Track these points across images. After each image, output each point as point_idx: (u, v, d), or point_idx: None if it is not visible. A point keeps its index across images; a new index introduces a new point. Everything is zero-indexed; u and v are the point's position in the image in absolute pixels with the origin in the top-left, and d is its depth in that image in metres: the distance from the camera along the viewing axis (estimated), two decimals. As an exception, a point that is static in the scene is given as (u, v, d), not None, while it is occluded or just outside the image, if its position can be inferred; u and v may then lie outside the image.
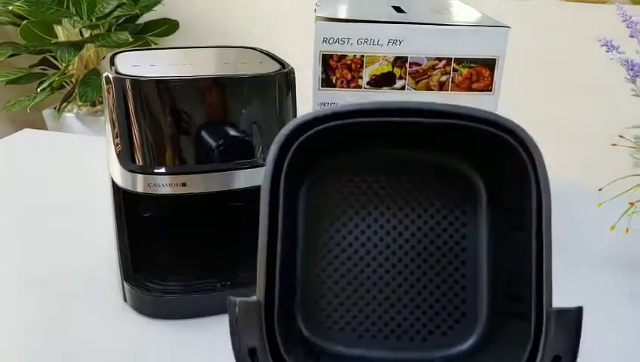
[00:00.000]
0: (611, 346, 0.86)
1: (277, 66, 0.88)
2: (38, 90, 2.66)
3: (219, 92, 0.81)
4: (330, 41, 1.02)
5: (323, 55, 1.03)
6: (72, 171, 1.40)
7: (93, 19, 2.68)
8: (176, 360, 0.81)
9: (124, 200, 0.88)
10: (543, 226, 0.54)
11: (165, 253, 0.95)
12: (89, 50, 2.80)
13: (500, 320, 0.62)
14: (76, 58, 2.67)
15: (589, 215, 1.21)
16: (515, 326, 0.58)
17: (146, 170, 0.81)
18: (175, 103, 0.80)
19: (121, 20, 2.81)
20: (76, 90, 2.74)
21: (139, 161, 0.81)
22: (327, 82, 1.04)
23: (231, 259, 0.95)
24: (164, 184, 0.82)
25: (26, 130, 1.70)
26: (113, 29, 2.77)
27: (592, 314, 0.93)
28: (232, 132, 0.84)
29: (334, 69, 1.03)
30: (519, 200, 0.59)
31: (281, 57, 0.93)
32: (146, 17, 2.84)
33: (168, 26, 2.82)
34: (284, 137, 0.53)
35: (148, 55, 0.92)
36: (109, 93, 0.80)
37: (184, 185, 0.81)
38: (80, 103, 2.76)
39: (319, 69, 1.03)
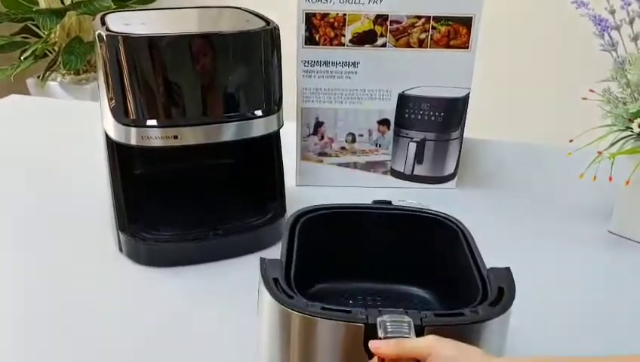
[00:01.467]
0: (587, 281, 0.93)
1: (262, 23, 0.91)
2: (22, 58, 2.65)
3: (208, 48, 0.85)
4: (313, 0, 1.05)
5: (306, 13, 1.06)
6: (62, 133, 1.43)
7: (75, -13, 2.66)
8: (170, 304, 0.85)
9: (118, 155, 0.91)
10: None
11: (158, 206, 1.00)
12: (71, 18, 2.78)
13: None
14: (58, 26, 2.65)
15: (560, 165, 1.28)
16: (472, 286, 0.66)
17: (138, 123, 0.85)
18: (166, 59, 0.83)
19: (103, -12, 2.79)
20: (60, 59, 2.73)
21: (132, 114, 0.85)
22: (310, 40, 1.08)
23: (220, 210, 1.00)
24: (155, 136, 0.86)
25: (13, 96, 1.71)
26: (95, -4, 2.75)
27: (566, 256, 1.00)
28: (220, 87, 0.88)
29: (317, 27, 1.07)
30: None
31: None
32: (128, -16, 2.82)
33: (150, -7, 2.82)
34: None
35: (137, 15, 0.95)
36: (102, 50, 0.83)
37: (175, 137, 0.85)
38: (64, 72, 2.76)
39: (302, 27, 1.07)
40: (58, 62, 2.76)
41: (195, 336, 0.79)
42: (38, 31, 2.81)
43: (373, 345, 0.54)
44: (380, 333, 0.54)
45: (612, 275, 0.97)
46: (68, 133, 1.43)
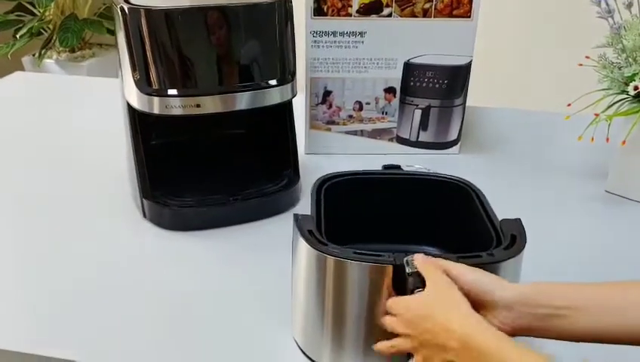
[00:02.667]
0: (585, 235, 0.99)
1: (276, -5, 0.95)
2: (18, 36, 2.65)
3: (226, 20, 0.88)
4: (321, -28, 1.08)
5: (314, -15, 1.10)
6: (70, 108, 1.46)
7: (68, -37, 2.66)
8: (193, 265, 0.90)
9: (140, 124, 0.95)
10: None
11: (178, 173, 1.04)
12: (65, -5, 2.78)
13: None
14: (52, 4, 2.65)
15: (558, 129, 1.33)
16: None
17: (161, 93, 0.89)
18: (186, 31, 0.87)
19: (96, -36, 2.79)
20: (55, 36, 2.74)
21: (154, 84, 0.89)
22: (318, 11, 1.11)
23: (237, 177, 1.04)
24: (177, 105, 0.90)
25: (18, 73, 1.74)
26: (88, -28, 2.75)
27: (565, 213, 1.05)
28: (237, 57, 0.92)
29: (324, -2, 1.11)
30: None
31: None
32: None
33: (144, -31, 2.80)
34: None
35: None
36: (124, 23, 0.86)
37: (198, 106, 0.89)
38: (60, 49, 2.76)
39: (311, -2, 1.10)
40: (53, 40, 2.76)
41: (225, 293, 0.84)
42: (32, 9, 2.81)
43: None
44: (407, 269, 0.60)
45: (609, 230, 1.03)
46: (76, 107, 1.47)
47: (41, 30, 2.80)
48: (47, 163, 1.19)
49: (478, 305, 0.57)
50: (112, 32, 2.81)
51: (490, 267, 0.63)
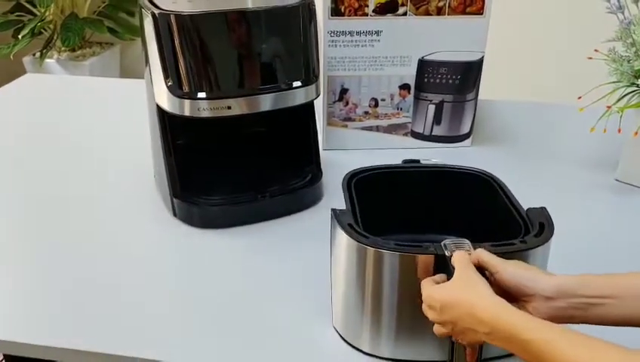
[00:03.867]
0: (597, 222, 1.03)
1: (297, -2, 0.98)
2: (20, 36, 2.65)
3: (253, 23, 0.91)
4: (338, -27, 1.11)
5: (332, -14, 1.13)
6: (86, 110, 1.48)
7: (67, -37, 2.66)
8: (227, 262, 0.93)
9: (169, 126, 0.98)
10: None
11: (206, 172, 1.07)
12: (64, -5, 2.78)
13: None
14: (52, 3, 2.66)
15: (569, 122, 1.37)
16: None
17: (191, 96, 0.92)
18: (215, 35, 0.90)
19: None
20: (56, 36, 2.75)
21: (185, 88, 0.91)
22: (336, 11, 1.14)
23: (263, 175, 1.08)
24: (206, 108, 0.93)
25: (28, 75, 1.75)
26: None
27: (578, 201, 1.09)
28: (264, 59, 0.95)
29: (342, -1, 1.14)
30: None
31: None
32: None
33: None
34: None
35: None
36: (155, 27, 0.89)
37: (229, 107, 0.92)
38: (63, 48, 2.77)
39: (329, -1, 1.13)
40: (55, 40, 2.77)
41: (261, 288, 0.87)
42: (32, 8, 2.81)
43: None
44: (447, 252, 0.65)
45: (620, 217, 1.07)
46: (90, 109, 1.49)
47: (42, 30, 2.80)
48: (70, 165, 1.21)
49: (519, 296, 0.61)
50: (113, 31, 2.83)
51: (523, 254, 0.67)
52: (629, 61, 1.07)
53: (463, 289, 0.61)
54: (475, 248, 0.66)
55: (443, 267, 0.65)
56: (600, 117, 1.06)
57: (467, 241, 0.67)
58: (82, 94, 1.59)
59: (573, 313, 0.60)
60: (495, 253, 0.65)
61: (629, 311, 0.58)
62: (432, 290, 0.64)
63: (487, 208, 0.85)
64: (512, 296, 0.61)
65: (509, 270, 0.62)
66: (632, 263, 0.93)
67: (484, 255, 0.64)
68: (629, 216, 1.07)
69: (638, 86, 1.05)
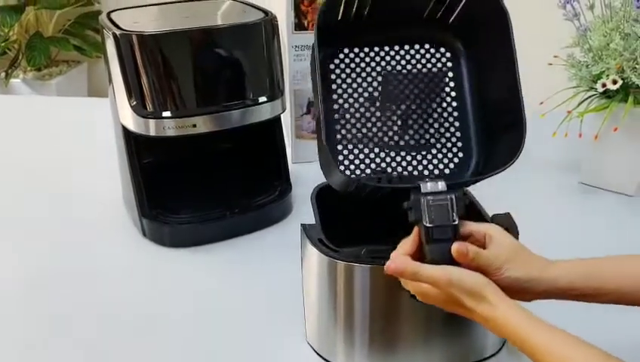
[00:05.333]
0: (563, 223, 1.05)
1: (261, 14, 0.98)
2: (-17, 58, 2.63)
3: (217, 41, 0.92)
4: (300, -12, 1.12)
5: (294, 1, 1.13)
6: (56, 130, 1.46)
7: (29, -18, 2.64)
8: (199, 281, 0.93)
9: (135, 146, 0.98)
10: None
11: (174, 190, 1.06)
12: (28, 14, 2.75)
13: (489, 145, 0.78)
14: (16, 23, 2.63)
15: (531, 127, 1.39)
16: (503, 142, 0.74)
17: (156, 115, 0.91)
18: (179, 53, 0.90)
19: (57, -20, 2.77)
20: (21, 56, 2.72)
21: (149, 107, 0.91)
22: (299, 26, 1.15)
23: (231, 191, 1.07)
24: (172, 126, 0.93)
25: (-7, 97, 1.73)
26: (50, -10, 2.73)
27: (543, 203, 1.11)
28: (229, 76, 0.95)
29: (305, 14, 1.14)
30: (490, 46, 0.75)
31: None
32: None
33: (109, -17, 2.80)
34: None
35: (141, 12, 1.01)
36: (118, 48, 0.89)
37: (194, 126, 0.92)
38: (29, 68, 2.74)
39: (292, 13, 1.14)
40: (20, 60, 2.74)
41: (234, 305, 0.87)
42: (-6, 29, 2.78)
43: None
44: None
45: (584, 218, 1.09)
46: (54, 129, 1.47)
47: (7, 50, 2.77)
48: (38, 187, 1.19)
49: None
50: (79, 49, 2.80)
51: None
52: (587, 66, 1.09)
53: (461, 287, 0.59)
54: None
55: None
56: (561, 122, 1.08)
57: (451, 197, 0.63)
58: (49, 115, 1.57)
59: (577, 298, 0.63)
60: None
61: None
62: (435, 277, 0.60)
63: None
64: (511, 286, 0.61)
65: (512, 276, 0.61)
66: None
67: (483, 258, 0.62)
68: (594, 218, 1.09)
69: (596, 90, 1.07)
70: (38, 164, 1.29)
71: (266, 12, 0.99)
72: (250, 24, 0.95)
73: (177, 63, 0.91)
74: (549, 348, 0.54)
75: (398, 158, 0.77)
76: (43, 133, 1.45)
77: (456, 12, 0.76)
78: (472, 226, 0.64)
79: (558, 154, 1.26)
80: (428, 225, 0.62)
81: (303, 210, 1.05)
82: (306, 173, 1.19)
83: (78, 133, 1.43)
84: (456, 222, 0.62)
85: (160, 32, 0.89)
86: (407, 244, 0.64)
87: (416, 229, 0.64)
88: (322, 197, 0.84)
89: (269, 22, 0.96)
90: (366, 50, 0.78)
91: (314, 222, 0.76)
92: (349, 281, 0.70)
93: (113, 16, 0.97)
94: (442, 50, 0.79)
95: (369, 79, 0.78)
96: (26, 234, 1.04)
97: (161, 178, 1.05)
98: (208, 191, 1.07)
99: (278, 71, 0.99)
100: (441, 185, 0.63)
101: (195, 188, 1.08)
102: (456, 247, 0.61)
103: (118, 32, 0.89)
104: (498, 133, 0.76)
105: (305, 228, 0.73)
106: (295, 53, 1.17)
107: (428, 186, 0.63)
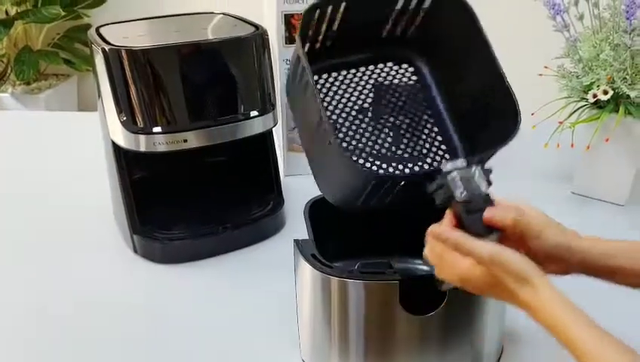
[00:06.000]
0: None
1: (251, 28, 0.98)
2: (-29, 72, 2.60)
3: (209, 55, 0.91)
4: (290, 1, 1.12)
5: (285, 15, 1.13)
6: (46, 145, 1.45)
7: (19, -5, 2.63)
8: (191, 297, 0.92)
9: (125, 161, 0.97)
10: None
11: (165, 206, 1.05)
12: (17, 28, 2.74)
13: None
14: (5, 37, 2.61)
15: (523, 138, 1.39)
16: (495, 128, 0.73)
17: (147, 131, 0.91)
18: (170, 68, 0.89)
19: (46, -6, 2.76)
20: (10, 70, 2.70)
21: (140, 123, 0.90)
22: (290, 40, 1.15)
23: (224, 205, 1.07)
24: (162, 142, 0.92)
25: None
26: (39, 3, 2.71)
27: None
28: (220, 91, 0.94)
29: (296, 27, 1.14)
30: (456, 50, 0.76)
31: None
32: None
33: (98, -3, 2.80)
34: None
35: (131, 27, 1.00)
36: (107, 64, 0.88)
37: (185, 141, 0.91)
38: (18, 82, 2.72)
39: (282, 27, 1.14)
40: (8, 74, 2.72)
41: (227, 322, 0.86)
42: (-17, 43, 2.76)
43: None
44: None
45: (577, 227, 1.09)
46: (45, 145, 1.46)
47: (-5, 64, 2.75)
48: (28, 203, 1.18)
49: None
50: (69, 62, 2.79)
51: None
52: (577, 77, 1.10)
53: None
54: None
55: (408, 292, 0.65)
56: (552, 133, 1.08)
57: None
58: (38, 130, 1.56)
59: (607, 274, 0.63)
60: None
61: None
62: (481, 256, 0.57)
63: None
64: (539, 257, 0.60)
65: (552, 241, 0.61)
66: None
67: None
68: (586, 227, 1.08)
69: (587, 100, 1.08)
70: (28, 180, 1.27)
71: (256, 26, 0.98)
72: (241, 38, 0.94)
73: (167, 78, 0.90)
74: (586, 344, 0.52)
75: (391, 169, 0.77)
76: (32, 148, 1.44)
77: (413, 27, 0.77)
78: (500, 201, 0.62)
79: (550, 164, 1.26)
80: (462, 198, 0.60)
81: (297, 224, 1.04)
82: (298, 185, 1.18)
83: (68, 148, 1.42)
84: (488, 192, 0.60)
85: (150, 47, 0.88)
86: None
87: (448, 213, 0.62)
88: (315, 211, 0.84)
89: (260, 36, 0.96)
90: (343, 72, 0.79)
91: (307, 237, 0.75)
92: (343, 297, 0.69)
93: (102, 30, 0.96)
94: (404, 65, 0.80)
95: (355, 94, 0.78)
96: (14, 251, 1.03)
97: (151, 193, 1.04)
98: (200, 206, 1.06)
99: (269, 85, 0.99)
100: (460, 162, 0.62)
101: (187, 203, 1.07)
102: (495, 212, 0.59)
103: (107, 47, 0.88)
104: (490, 122, 0.75)
105: (298, 243, 0.72)
106: (286, 66, 1.16)
107: (449, 165, 0.62)
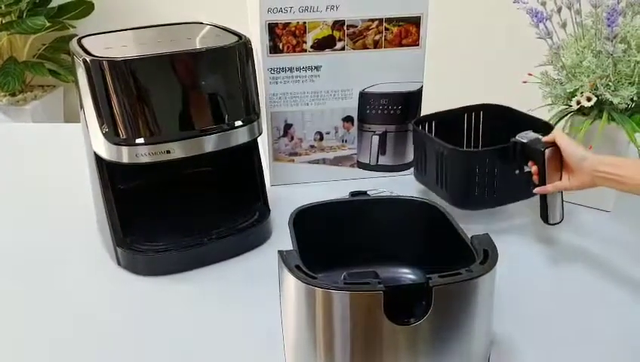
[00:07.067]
0: (543, 237, 1.05)
1: (234, 38, 0.97)
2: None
3: (191, 65, 0.91)
4: (275, 11, 1.12)
5: (269, 24, 1.13)
6: (21, 157, 1.44)
7: (2, 7, 2.61)
8: (176, 310, 0.91)
9: (108, 173, 0.96)
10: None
11: (149, 217, 1.04)
12: (2, 39, 2.72)
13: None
14: (-11, 48, 2.60)
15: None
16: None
17: (129, 142, 0.90)
18: (152, 79, 0.89)
19: (31, 5, 2.74)
20: (-6, 81, 2.68)
21: (122, 134, 0.89)
22: (274, 49, 1.15)
23: (209, 216, 1.06)
24: (145, 153, 0.91)
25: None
26: (24, 15, 2.70)
27: (523, 219, 1.11)
28: (204, 101, 0.94)
29: (280, 36, 1.14)
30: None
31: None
32: (59, 0, 2.78)
33: (84, 8, 2.78)
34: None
35: (113, 37, 0.99)
36: (89, 75, 0.87)
37: (168, 152, 0.90)
38: (3, 93, 2.69)
39: (266, 37, 1.14)
40: (-7, 85, 2.69)
41: (213, 334, 0.85)
42: (-33, 55, 2.74)
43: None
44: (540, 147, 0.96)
45: (564, 234, 1.09)
46: (25, 157, 1.44)
47: (-21, 76, 2.73)
48: (9, 215, 1.17)
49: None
50: (55, 73, 2.77)
51: (470, 283, 0.68)
52: (561, 84, 1.10)
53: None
54: (427, 281, 0.66)
55: (393, 303, 0.65)
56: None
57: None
58: (22, 141, 1.54)
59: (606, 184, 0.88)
60: (445, 284, 0.66)
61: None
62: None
63: (433, 237, 0.86)
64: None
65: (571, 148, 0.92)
66: (579, 279, 0.96)
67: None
68: (574, 234, 1.09)
69: (571, 106, 1.08)
70: (13, 192, 1.26)
71: (240, 35, 0.98)
72: (224, 48, 0.94)
73: (150, 89, 0.89)
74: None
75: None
76: (17, 160, 1.42)
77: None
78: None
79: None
80: (544, 148, 0.95)
81: (283, 234, 1.02)
82: (284, 195, 1.18)
83: (53, 160, 1.41)
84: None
85: (132, 58, 0.87)
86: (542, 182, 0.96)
87: (535, 169, 0.96)
88: (300, 221, 0.83)
89: (243, 45, 0.95)
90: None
91: (291, 248, 0.74)
92: (328, 308, 0.68)
93: (84, 41, 0.95)
94: None
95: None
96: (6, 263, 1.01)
97: (135, 205, 1.03)
98: (185, 217, 1.05)
99: (253, 94, 0.98)
100: (528, 136, 0.99)
101: (172, 214, 1.06)
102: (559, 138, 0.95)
103: (88, 58, 0.87)
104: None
105: (282, 254, 0.72)
106: (271, 75, 1.16)
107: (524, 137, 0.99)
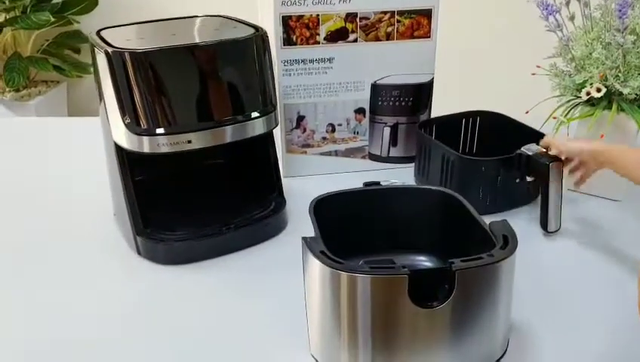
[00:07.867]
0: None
1: (251, 30, 0.99)
2: (-40, 79, 2.58)
3: (210, 57, 0.92)
4: (288, 4, 1.13)
5: (283, 17, 1.14)
6: (42, 152, 1.45)
7: (7, 2, 2.61)
8: (197, 298, 0.92)
9: (128, 163, 0.97)
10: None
11: (168, 207, 1.06)
12: (5, 35, 2.72)
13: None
14: (-6, 43, 2.61)
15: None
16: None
17: (150, 132, 0.91)
18: (172, 70, 0.90)
19: (35, 1, 2.74)
20: (-1, 77, 2.69)
21: (143, 124, 0.91)
22: (288, 41, 1.16)
23: (226, 206, 1.07)
24: (166, 143, 0.92)
25: (-27, 119, 1.70)
26: (28, 10, 2.70)
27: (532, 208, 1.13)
28: (222, 92, 0.95)
29: (294, 29, 1.15)
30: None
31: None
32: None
33: (88, 3, 2.78)
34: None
35: (132, 30, 1.01)
36: (110, 66, 0.88)
37: (189, 142, 0.92)
38: (8, 89, 2.70)
39: (280, 29, 1.15)
40: (-3, 81, 2.70)
41: (235, 321, 0.86)
42: (-29, 51, 2.75)
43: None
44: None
45: (573, 223, 1.11)
46: (39, 150, 1.45)
47: (-16, 71, 2.74)
48: (26, 209, 1.18)
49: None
50: (59, 69, 2.78)
51: (492, 267, 0.70)
52: (570, 75, 1.12)
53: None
54: (450, 266, 0.68)
55: (417, 287, 0.67)
56: (553, 129, 1.10)
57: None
58: (31, 136, 1.55)
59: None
60: (467, 268, 0.68)
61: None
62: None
63: (449, 224, 0.88)
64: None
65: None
66: (583, 267, 0.97)
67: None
68: (583, 224, 1.11)
69: (580, 98, 1.10)
70: (25, 186, 1.27)
71: (256, 28, 0.99)
72: (242, 40, 0.95)
73: (170, 80, 0.91)
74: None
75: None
76: (26, 155, 1.43)
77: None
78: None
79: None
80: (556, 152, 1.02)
81: (298, 224, 1.05)
82: (297, 187, 1.20)
83: (61, 153, 1.42)
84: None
85: (153, 49, 0.89)
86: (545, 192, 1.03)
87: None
88: (318, 210, 0.85)
89: (260, 37, 0.97)
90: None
91: (313, 235, 0.76)
92: (353, 292, 0.70)
93: (104, 33, 0.96)
94: None
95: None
96: (14, 256, 1.02)
97: (154, 195, 1.04)
98: (202, 207, 1.07)
99: (270, 86, 1.00)
100: (532, 148, 1.06)
101: (189, 204, 1.08)
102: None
103: (110, 50, 0.88)
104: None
105: (306, 240, 0.73)
106: (284, 67, 1.18)
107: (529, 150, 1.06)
